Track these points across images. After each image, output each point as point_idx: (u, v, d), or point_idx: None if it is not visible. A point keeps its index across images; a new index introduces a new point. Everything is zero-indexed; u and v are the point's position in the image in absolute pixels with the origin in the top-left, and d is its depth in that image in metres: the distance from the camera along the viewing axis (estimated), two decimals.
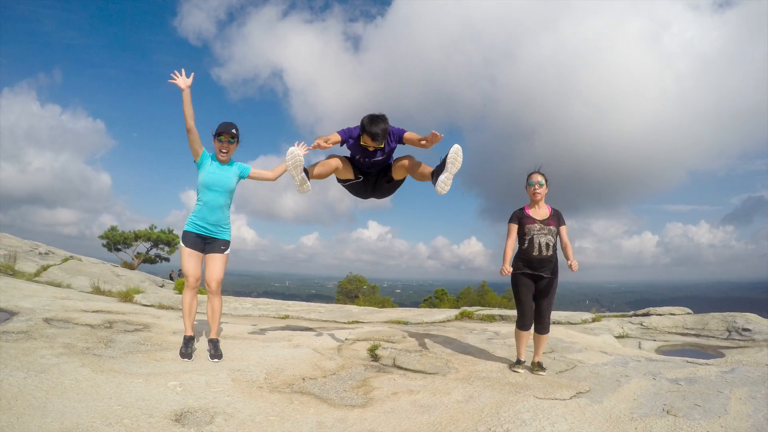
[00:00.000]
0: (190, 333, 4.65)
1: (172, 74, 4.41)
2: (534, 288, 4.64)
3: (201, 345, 4.87)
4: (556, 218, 4.66)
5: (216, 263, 4.57)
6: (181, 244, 4.55)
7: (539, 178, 4.64)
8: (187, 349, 4.55)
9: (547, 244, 4.57)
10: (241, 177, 4.72)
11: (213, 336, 4.68)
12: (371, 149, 4.44)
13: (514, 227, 4.68)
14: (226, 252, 4.65)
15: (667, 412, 3.31)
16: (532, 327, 4.68)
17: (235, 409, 3.36)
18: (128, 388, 3.53)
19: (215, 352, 4.55)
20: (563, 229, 4.65)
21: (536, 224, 4.59)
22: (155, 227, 31.69)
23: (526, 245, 4.63)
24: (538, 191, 4.63)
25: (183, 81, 4.39)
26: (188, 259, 4.49)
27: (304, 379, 4.20)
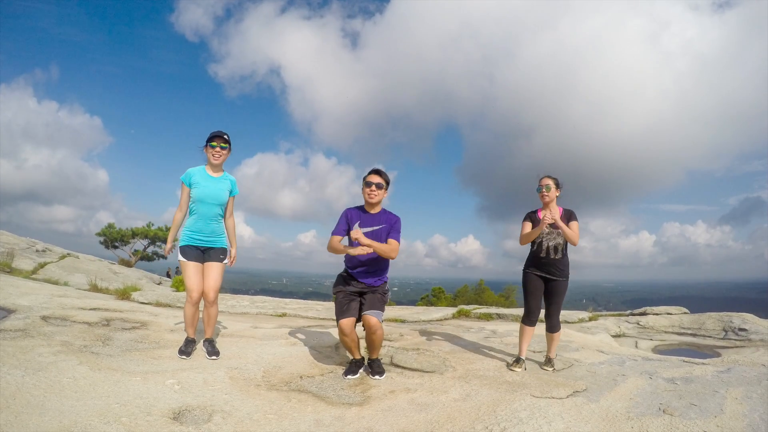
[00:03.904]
0: (192, 336, 4.73)
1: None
2: (543, 288, 4.72)
3: (199, 345, 4.87)
4: (567, 220, 4.61)
5: (214, 273, 4.60)
6: (182, 258, 4.55)
7: (548, 182, 4.62)
8: (186, 348, 4.60)
9: (556, 248, 4.61)
10: (231, 194, 4.73)
11: (209, 336, 4.75)
12: (373, 196, 4.45)
13: (528, 225, 4.72)
14: (225, 261, 4.71)
15: (664, 411, 3.33)
16: (536, 325, 4.75)
17: (233, 407, 3.37)
18: (126, 386, 3.53)
19: (212, 350, 4.61)
20: (573, 224, 4.59)
21: (545, 228, 4.62)
22: (152, 224, 31.68)
23: (535, 248, 4.71)
24: (546, 195, 4.60)
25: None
26: (191, 274, 4.51)
27: (301, 377, 4.21)
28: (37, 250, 13.96)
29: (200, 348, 4.72)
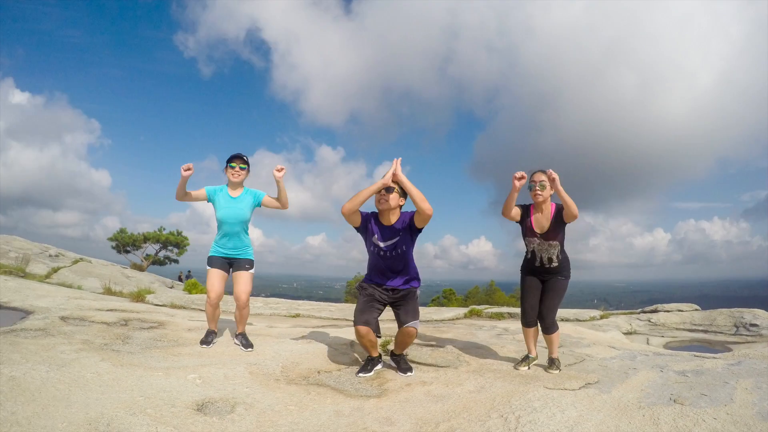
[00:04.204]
0: (212, 329, 5.01)
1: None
2: (540, 287, 4.52)
3: (221, 341, 5.04)
4: (558, 223, 4.32)
5: (243, 280, 4.85)
6: (208, 267, 4.86)
7: (542, 178, 4.23)
8: (207, 338, 4.90)
9: (550, 258, 4.39)
10: (255, 206, 4.93)
11: (241, 331, 4.98)
12: (389, 208, 4.18)
13: (518, 213, 4.43)
14: (251, 270, 4.94)
15: (674, 401, 3.38)
16: (536, 325, 4.56)
17: (255, 400, 3.48)
18: (149, 380, 3.64)
19: (246, 342, 4.86)
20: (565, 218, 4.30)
21: (536, 239, 4.38)
22: (164, 229, 31.86)
23: (529, 256, 4.50)
24: (539, 193, 4.25)
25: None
26: (212, 278, 4.79)
27: (319, 372, 4.30)
28: (50, 255, 14.13)
29: (220, 345, 4.87)
